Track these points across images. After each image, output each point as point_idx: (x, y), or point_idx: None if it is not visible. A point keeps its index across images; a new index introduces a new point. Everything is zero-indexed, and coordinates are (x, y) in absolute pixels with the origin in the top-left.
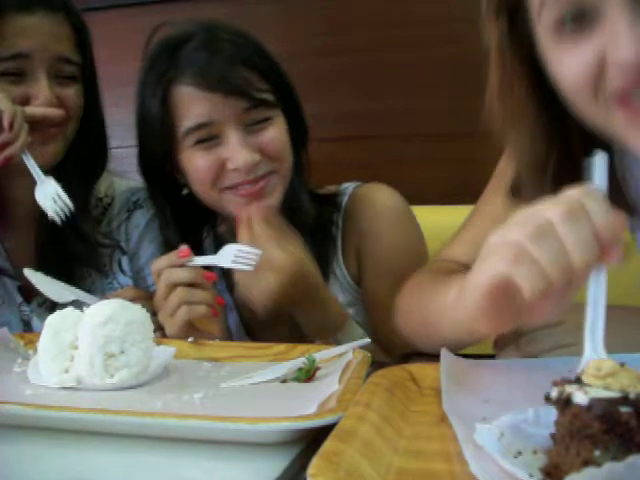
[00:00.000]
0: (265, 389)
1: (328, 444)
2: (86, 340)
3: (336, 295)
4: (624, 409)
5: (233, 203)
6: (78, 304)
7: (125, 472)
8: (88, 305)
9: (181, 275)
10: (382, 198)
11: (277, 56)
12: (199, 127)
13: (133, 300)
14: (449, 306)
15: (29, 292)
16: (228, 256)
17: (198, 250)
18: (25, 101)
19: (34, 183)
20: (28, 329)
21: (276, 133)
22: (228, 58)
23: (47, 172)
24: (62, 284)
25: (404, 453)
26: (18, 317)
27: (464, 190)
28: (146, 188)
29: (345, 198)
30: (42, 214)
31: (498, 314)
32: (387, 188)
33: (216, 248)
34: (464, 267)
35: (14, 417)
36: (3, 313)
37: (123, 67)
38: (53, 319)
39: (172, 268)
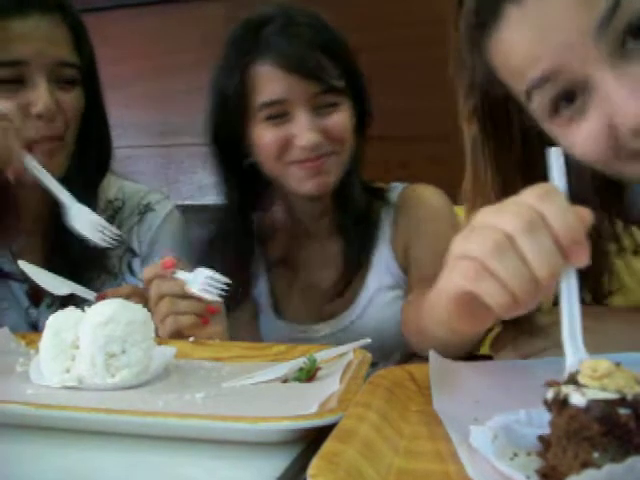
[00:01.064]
0: (266, 389)
1: (328, 444)
2: (87, 340)
3: (381, 277)
4: (622, 411)
5: (295, 177)
6: (77, 302)
7: (126, 471)
8: (86, 301)
9: (166, 287)
10: (429, 198)
11: None
12: (272, 104)
13: (130, 296)
14: (431, 306)
15: (37, 295)
16: (198, 280)
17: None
18: (25, 108)
19: (44, 196)
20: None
21: (341, 119)
22: (306, 42)
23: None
24: (58, 277)
25: (404, 453)
26: (25, 320)
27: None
28: (213, 155)
29: (394, 195)
30: (50, 217)
31: (472, 316)
32: (433, 188)
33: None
34: None
35: (15, 416)
36: (10, 317)
37: (126, 67)
38: (54, 319)
39: (160, 279)
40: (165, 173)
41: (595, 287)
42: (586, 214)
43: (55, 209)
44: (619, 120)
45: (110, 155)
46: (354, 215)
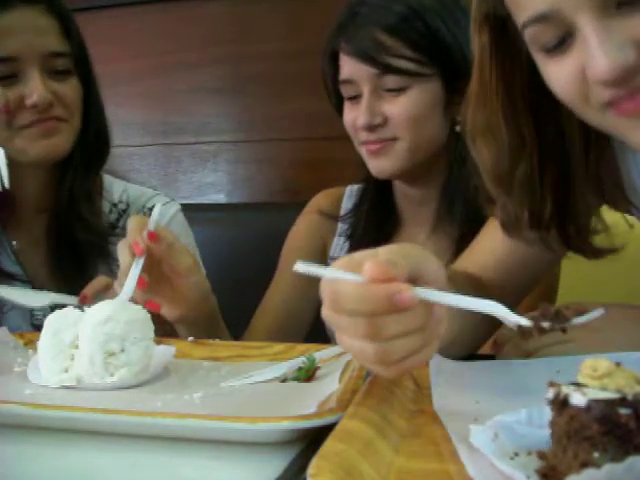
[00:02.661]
0: (265, 389)
1: (328, 444)
2: (86, 338)
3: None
4: (623, 410)
5: (365, 159)
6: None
7: (125, 472)
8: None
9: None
10: None
11: (277, 55)
12: (344, 82)
13: (107, 288)
14: None
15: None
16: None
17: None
18: (20, 101)
19: (46, 181)
20: None
21: (404, 103)
22: (370, 25)
23: (54, 164)
24: (35, 290)
25: (404, 453)
26: (29, 322)
27: None
28: None
29: None
30: (52, 213)
31: None
32: None
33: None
34: (471, 276)
35: (13, 416)
36: (14, 319)
37: (127, 65)
38: (53, 318)
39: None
40: (165, 172)
41: (579, 227)
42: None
43: (56, 205)
44: (589, 71)
45: (109, 143)
46: (463, 205)
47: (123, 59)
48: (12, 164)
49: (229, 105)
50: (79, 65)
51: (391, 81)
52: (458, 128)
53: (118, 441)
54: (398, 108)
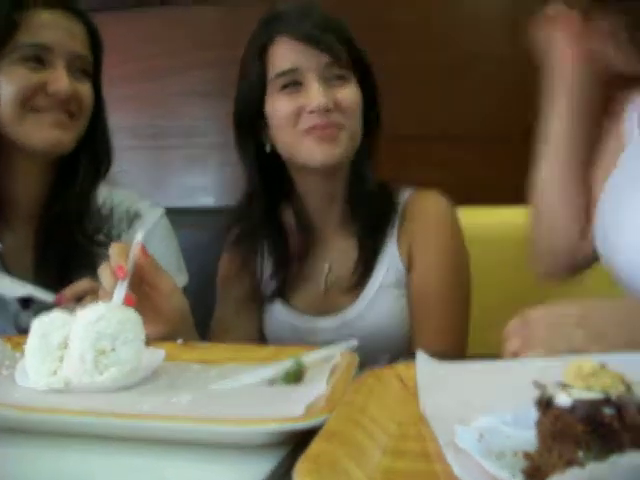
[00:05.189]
0: (253, 391)
1: (315, 445)
2: (78, 336)
3: (386, 274)
4: (607, 411)
5: (305, 147)
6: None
7: (112, 474)
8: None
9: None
10: (433, 204)
11: None
12: (285, 73)
13: (87, 292)
14: None
15: (27, 299)
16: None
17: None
18: (42, 86)
19: (39, 184)
20: None
21: (349, 92)
22: (317, 21)
23: (48, 167)
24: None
25: (391, 453)
26: (13, 326)
27: (461, 191)
28: (237, 146)
29: (403, 198)
30: (40, 215)
31: None
32: (438, 195)
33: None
34: None
35: (1, 420)
36: None
37: (117, 69)
38: (40, 321)
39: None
40: (154, 175)
41: None
42: None
43: (46, 206)
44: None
45: (111, 156)
46: (368, 203)
47: (112, 63)
48: (9, 156)
49: (218, 108)
50: (95, 78)
51: (338, 69)
52: None
53: (106, 444)
54: (347, 95)
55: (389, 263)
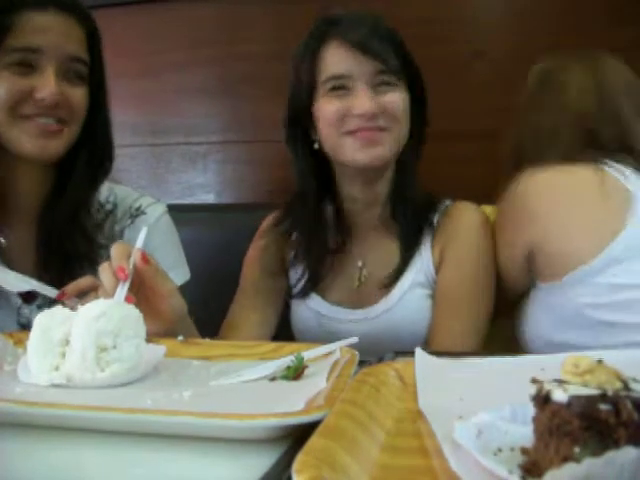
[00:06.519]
0: (254, 387)
1: (313, 440)
2: (79, 333)
3: (417, 274)
4: (603, 406)
5: (350, 147)
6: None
7: (113, 468)
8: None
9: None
10: (469, 215)
11: (266, 56)
12: (336, 77)
13: (90, 289)
14: None
15: (29, 294)
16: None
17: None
18: (30, 93)
19: (41, 185)
20: None
21: (397, 98)
22: (370, 29)
23: (48, 167)
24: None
25: (389, 449)
26: (15, 320)
27: (460, 189)
28: (288, 145)
29: (443, 206)
30: (42, 213)
31: None
32: (476, 207)
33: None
34: None
35: (4, 415)
36: (0, 318)
37: (116, 66)
38: (42, 317)
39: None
40: (154, 172)
41: None
42: None
43: (47, 204)
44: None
45: (112, 156)
46: (412, 204)
47: (112, 60)
48: (7, 158)
49: (218, 106)
50: (93, 78)
51: (386, 77)
52: None
53: (107, 438)
54: (394, 100)
55: (422, 264)
